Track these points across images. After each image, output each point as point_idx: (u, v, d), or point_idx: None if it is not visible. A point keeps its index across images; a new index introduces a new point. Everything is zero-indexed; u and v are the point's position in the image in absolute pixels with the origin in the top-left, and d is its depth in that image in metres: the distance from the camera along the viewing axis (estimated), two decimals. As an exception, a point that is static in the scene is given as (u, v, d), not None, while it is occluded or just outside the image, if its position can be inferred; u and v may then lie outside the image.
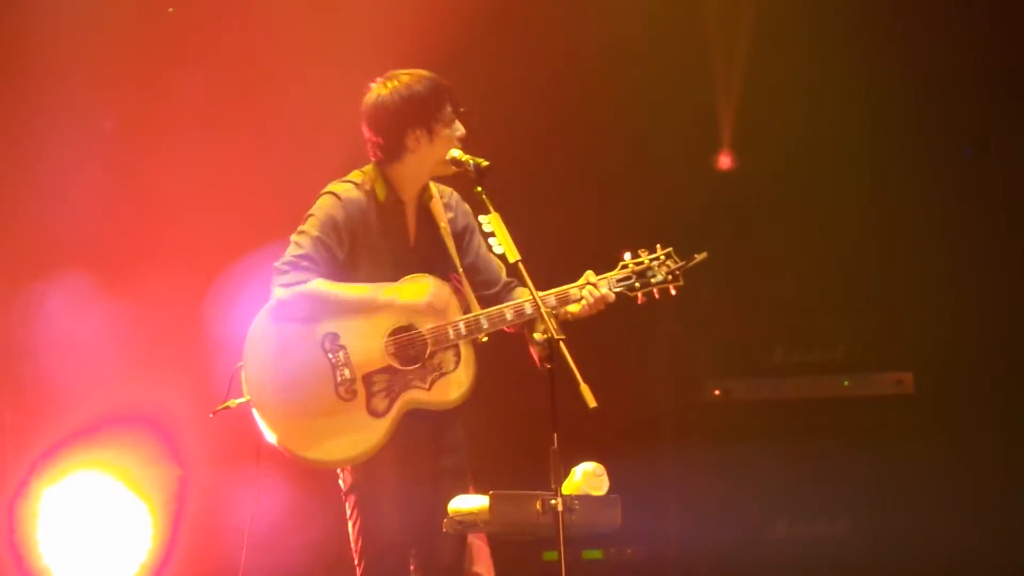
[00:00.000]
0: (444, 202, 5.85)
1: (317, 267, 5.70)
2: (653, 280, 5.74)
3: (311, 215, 5.78)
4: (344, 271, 5.77)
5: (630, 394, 8.50)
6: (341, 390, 5.70)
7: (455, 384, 5.73)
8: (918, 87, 8.72)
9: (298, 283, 5.68)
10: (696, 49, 8.84)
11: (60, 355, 8.37)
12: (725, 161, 8.98)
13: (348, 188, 5.80)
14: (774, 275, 8.96)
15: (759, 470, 8.77)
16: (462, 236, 5.86)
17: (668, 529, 8.78)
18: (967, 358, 8.68)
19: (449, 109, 5.74)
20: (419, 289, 5.72)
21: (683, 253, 5.77)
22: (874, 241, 8.83)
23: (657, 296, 5.77)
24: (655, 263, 5.75)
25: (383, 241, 5.79)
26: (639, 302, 5.76)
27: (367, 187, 5.80)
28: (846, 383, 8.94)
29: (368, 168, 5.84)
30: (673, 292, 5.76)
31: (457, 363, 5.73)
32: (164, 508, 8.42)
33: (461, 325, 5.70)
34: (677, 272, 5.75)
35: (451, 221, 5.84)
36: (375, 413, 5.69)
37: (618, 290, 5.72)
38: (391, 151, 5.76)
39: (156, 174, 8.50)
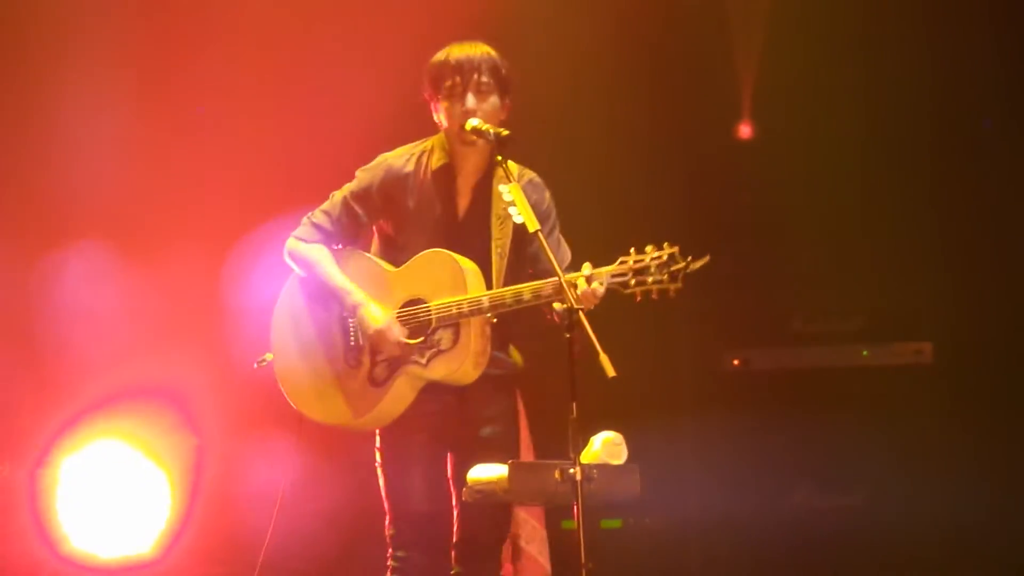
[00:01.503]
0: (523, 184, 5.74)
1: (333, 227, 5.84)
2: (650, 279, 5.56)
3: (357, 174, 5.90)
4: (381, 234, 5.88)
5: (649, 363, 8.50)
6: (348, 356, 5.79)
7: (450, 361, 5.72)
8: (942, 56, 8.67)
9: (302, 239, 5.85)
10: (718, 11, 8.81)
11: (80, 325, 8.39)
12: (745, 130, 8.96)
13: (400, 154, 5.88)
14: (793, 245, 8.94)
15: (777, 440, 8.77)
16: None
17: (686, 498, 8.80)
18: (986, 328, 8.66)
19: (449, 81, 5.76)
20: (440, 263, 5.73)
21: (687, 255, 5.60)
22: (895, 210, 8.80)
23: (655, 297, 5.60)
24: (655, 262, 5.57)
25: (426, 208, 5.81)
26: (636, 300, 5.61)
27: (425, 153, 5.84)
28: (865, 353, 8.93)
29: (437, 134, 5.88)
30: (671, 295, 5.59)
31: (454, 342, 5.72)
32: (182, 477, 8.45)
33: (465, 304, 5.70)
34: (677, 274, 5.58)
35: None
36: (374, 382, 5.75)
37: (612, 285, 5.57)
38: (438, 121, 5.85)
39: (176, 143, 8.50)
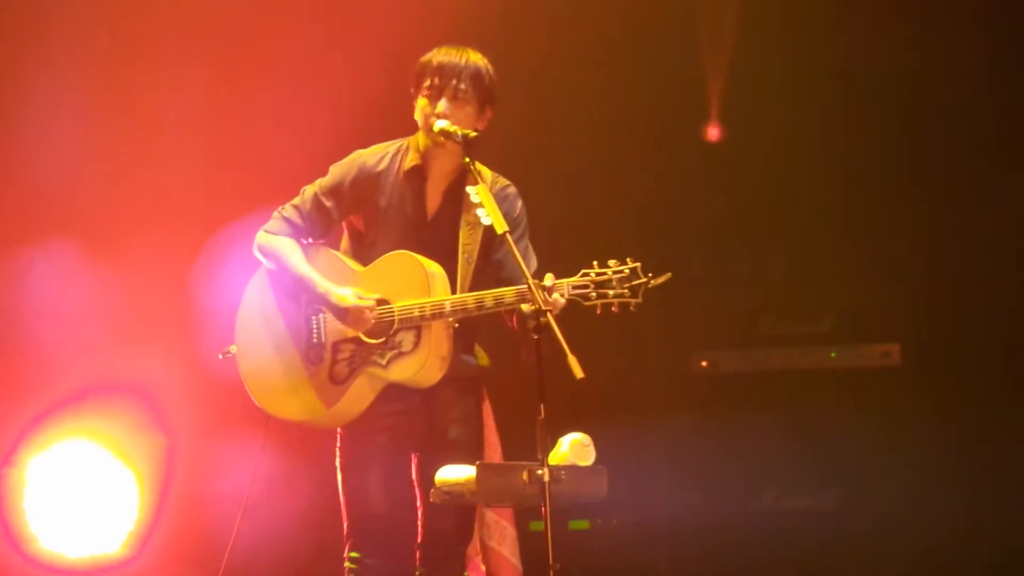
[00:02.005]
0: (494, 192, 5.77)
1: (302, 221, 5.84)
2: (611, 292, 5.59)
3: (330, 170, 5.90)
4: (358, 231, 5.88)
5: (617, 365, 8.51)
6: (310, 353, 5.79)
7: (407, 365, 5.72)
8: (910, 59, 8.69)
9: (271, 232, 5.86)
10: (685, 14, 8.81)
11: (47, 322, 8.35)
12: (713, 133, 8.96)
13: (374, 152, 5.90)
14: (761, 247, 8.95)
15: (746, 441, 8.78)
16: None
17: (655, 500, 8.80)
18: (954, 330, 8.69)
19: (428, 81, 5.77)
20: (403, 265, 5.73)
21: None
22: (861, 213, 8.83)
23: (616, 310, 5.62)
24: (616, 276, 5.61)
25: (396, 208, 5.83)
26: (597, 312, 5.63)
27: (401, 153, 5.85)
28: (833, 355, 8.94)
29: (416, 134, 5.87)
30: (632, 309, 5.63)
31: (416, 345, 5.72)
32: (151, 477, 8.42)
33: (427, 307, 5.70)
34: (637, 288, 5.62)
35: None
36: (334, 380, 5.76)
37: (572, 296, 5.58)
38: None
39: (145, 139, 8.47)
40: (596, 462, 5.50)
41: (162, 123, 8.49)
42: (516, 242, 5.64)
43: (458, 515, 5.81)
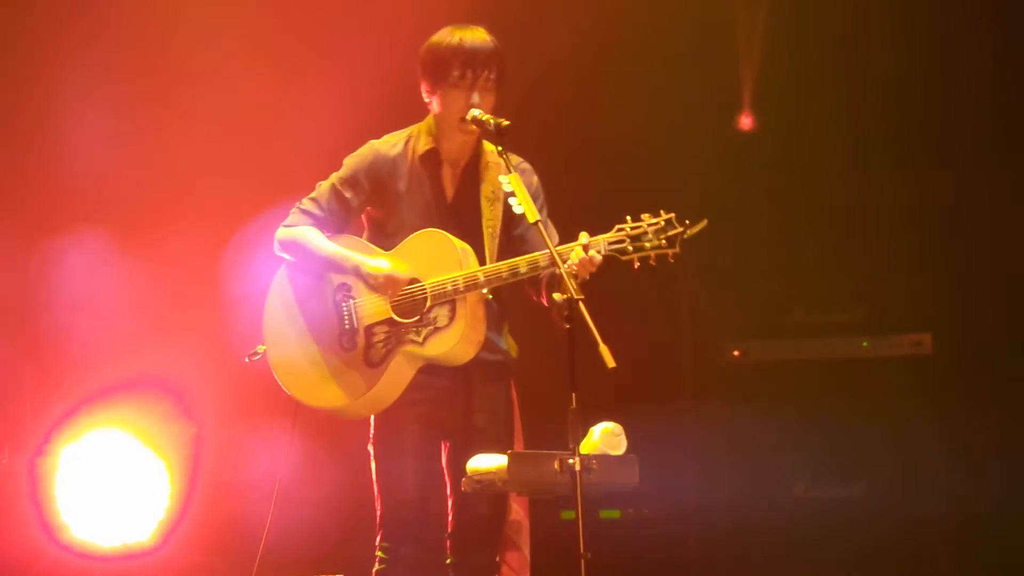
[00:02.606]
0: (514, 165, 5.78)
1: (322, 212, 5.84)
2: (648, 245, 5.58)
3: (344, 162, 5.89)
4: (372, 218, 5.87)
5: (649, 354, 8.50)
6: (344, 339, 5.78)
7: (445, 339, 5.72)
8: (944, 47, 8.66)
9: (292, 225, 5.85)
10: (720, 8, 8.80)
11: (79, 313, 8.39)
12: (746, 122, 8.95)
13: (388, 138, 5.89)
14: (794, 236, 8.93)
15: (777, 431, 8.76)
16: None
17: (685, 489, 8.79)
18: (986, 319, 8.66)
19: (458, 72, 5.74)
20: (431, 242, 5.73)
21: (697, 216, 5.67)
22: (894, 201, 8.79)
23: (653, 263, 5.60)
24: (652, 228, 5.60)
25: (415, 193, 5.83)
26: (635, 267, 5.62)
27: (412, 139, 5.84)
28: (865, 344, 8.92)
29: (426, 119, 5.86)
30: (671, 259, 5.61)
31: (451, 319, 5.72)
32: (180, 466, 8.45)
33: (460, 280, 5.70)
34: (675, 238, 5.59)
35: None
36: (370, 363, 5.74)
37: (609, 252, 5.59)
38: (429, 105, 5.84)
39: (176, 131, 8.49)
40: (627, 451, 5.50)
41: (195, 114, 8.51)
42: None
43: (490, 503, 5.80)
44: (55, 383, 8.33)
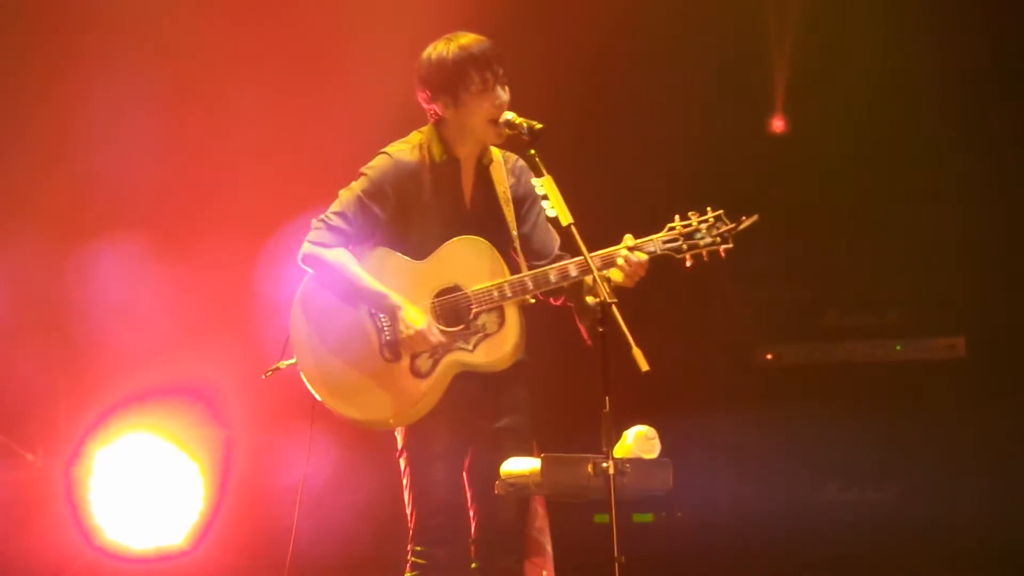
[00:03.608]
0: (508, 167, 5.87)
1: (351, 227, 5.77)
2: (701, 242, 5.69)
3: (362, 173, 5.84)
4: (393, 230, 5.81)
5: (682, 358, 8.50)
6: (385, 351, 5.74)
7: (497, 346, 5.73)
8: (978, 48, 8.64)
9: (322, 244, 5.76)
10: (751, 10, 8.79)
11: (113, 318, 8.42)
12: (779, 124, 8.94)
13: (402, 148, 5.85)
14: (827, 239, 8.92)
15: (810, 434, 8.75)
16: (522, 203, 5.87)
17: (719, 493, 8.79)
18: (1020, 323, 8.64)
19: (478, 78, 5.73)
20: (467, 249, 5.75)
21: (734, 217, 5.74)
22: (929, 205, 8.78)
23: (706, 259, 5.72)
24: (703, 225, 5.70)
25: (436, 201, 5.81)
26: (687, 264, 5.70)
27: (424, 146, 5.84)
28: (898, 347, 8.91)
29: (426, 128, 5.88)
30: (722, 255, 5.73)
31: (501, 325, 5.74)
32: (213, 470, 8.47)
33: (506, 286, 5.72)
34: (726, 234, 5.70)
35: (512, 187, 5.86)
36: (418, 374, 5.72)
37: (664, 251, 5.68)
38: (431, 114, 5.83)
39: (212, 136, 8.51)
40: (661, 454, 5.49)
41: (230, 121, 8.53)
42: (531, 211, 5.81)
43: (514, 507, 5.80)
44: (89, 388, 8.36)
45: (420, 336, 5.68)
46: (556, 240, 5.86)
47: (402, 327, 5.68)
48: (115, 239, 8.35)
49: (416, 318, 5.68)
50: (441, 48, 5.77)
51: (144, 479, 8.41)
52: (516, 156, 5.91)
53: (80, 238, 8.36)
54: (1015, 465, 8.50)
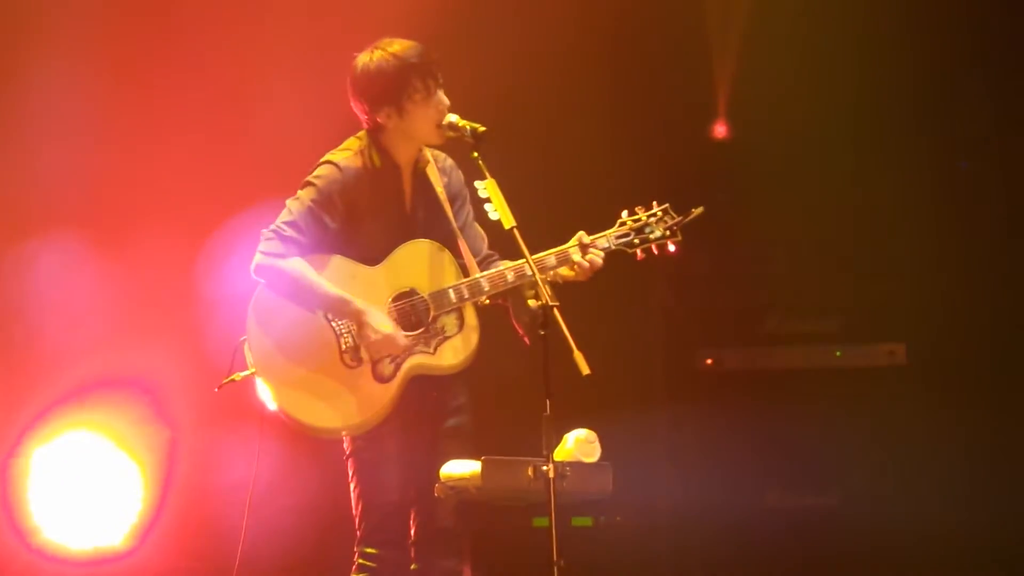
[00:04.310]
0: (439, 167, 5.89)
1: (303, 236, 5.75)
2: (651, 236, 5.81)
3: (309, 183, 5.82)
4: (340, 237, 5.81)
5: (623, 362, 8.50)
6: (346, 357, 5.74)
7: (460, 347, 5.78)
8: (918, 57, 8.69)
9: (277, 255, 5.73)
10: (694, 12, 8.81)
11: (51, 315, 8.35)
12: (720, 130, 8.96)
13: (346, 156, 5.84)
14: (768, 245, 8.95)
15: (751, 439, 8.78)
16: (453, 202, 5.90)
17: (658, 497, 8.79)
18: (959, 329, 8.69)
19: (421, 85, 5.73)
20: (419, 253, 5.75)
21: (681, 210, 5.80)
22: (868, 212, 8.82)
23: (656, 252, 5.82)
24: (652, 219, 5.82)
25: (380, 207, 5.82)
26: (639, 258, 5.81)
27: (364, 153, 5.82)
28: (838, 353, 8.94)
29: (362, 134, 5.88)
30: (672, 248, 5.81)
31: (460, 326, 5.77)
32: (155, 469, 8.42)
33: (463, 288, 5.74)
34: (675, 227, 5.81)
35: (445, 186, 5.88)
36: (381, 379, 5.73)
37: (617, 246, 5.77)
38: (370, 122, 5.82)
39: (149, 133, 8.46)
40: (601, 458, 5.50)
41: (167, 116, 8.48)
42: (461, 210, 5.87)
43: (456, 511, 5.81)
44: (27, 385, 8.29)
45: (388, 340, 5.68)
46: (484, 238, 5.91)
47: (370, 332, 5.68)
48: (52, 236, 8.29)
49: (383, 322, 5.68)
50: (378, 58, 5.75)
51: (83, 478, 8.34)
52: (444, 155, 5.94)
53: (15, 235, 8.29)
54: (955, 471, 8.55)
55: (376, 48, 5.78)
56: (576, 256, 5.72)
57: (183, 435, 8.46)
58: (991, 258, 8.70)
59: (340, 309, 5.71)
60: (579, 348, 5.12)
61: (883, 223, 8.79)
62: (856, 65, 8.73)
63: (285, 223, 5.76)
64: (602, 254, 5.76)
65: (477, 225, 5.90)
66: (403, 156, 5.85)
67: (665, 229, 5.81)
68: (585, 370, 5.10)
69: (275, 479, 7.75)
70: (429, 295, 5.75)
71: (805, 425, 8.75)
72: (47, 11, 8.38)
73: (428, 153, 5.89)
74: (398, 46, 5.76)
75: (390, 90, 5.74)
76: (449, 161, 5.94)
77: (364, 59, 5.78)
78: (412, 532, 5.81)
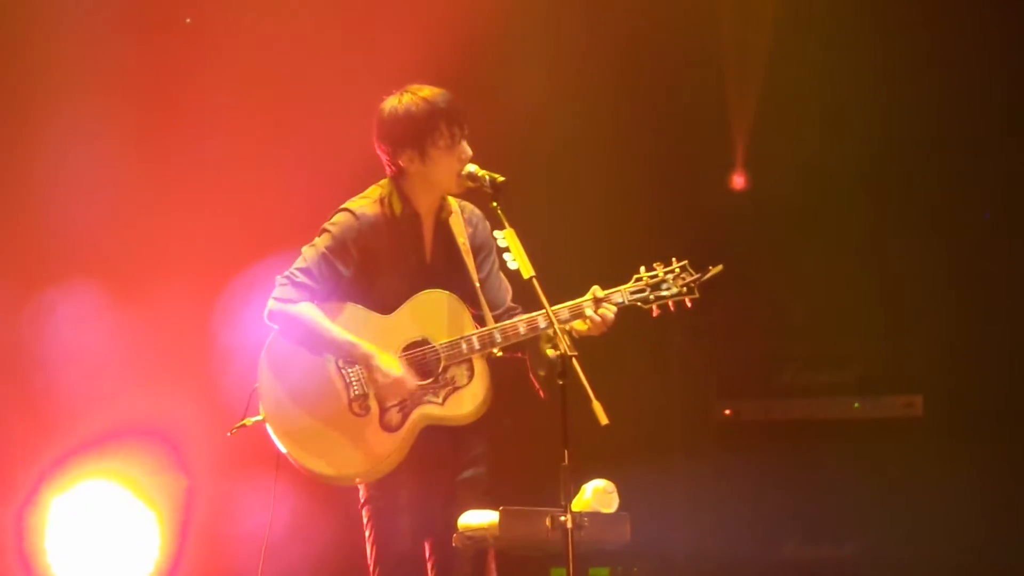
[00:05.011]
0: (465, 217, 5.89)
1: (316, 283, 5.77)
2: (667, 292, 5.78)
3: (325, 230, 5.84)
4: (356, 285, 5.82)
5: (641, 412, 8.49)
6: (355, 406, 5.74)
7: (468, 398, 5.76)
8: (936, 109, 8.71)
9: (288, 300, 5.75)
10: (711, 67, 8.85)
11: (70, 365, 8.37)
12: (739, 181, 8.98)
13: (364, 204, 5.85)
14: (786, 296, 8.94)
15: (768, 491, 8.75)
16: (478, 252, 5.90)
17: (676, 548, 8.77)
18: (976, 382, 8.67)
19: (447, 132, 5.75)
20: (433, 303, 5.76)
21: (699, 267, 5.79)
22: (887, 264, 8.82)
23: (672, 309, 5.80)
24: (670, 276, 5.79)
25: (398, 255, 5.82)
26: (654, 315, 5.79)
27: (384, 201, 5.84)
28: (856, 405, 8.92)
29: (384, 182, 5.89)
30: (688, 305, 5.79)
31: (470, 377, 5.75)
32: (171, 518, 8.42)
33: (475, 339, 5.73)
34: (692, 284, 5.79)
35: (470, 237, 5.88)
36: (388, 428, 5.72)
37: (631, 302, 5.75)
38: (392, 167, 5.82)
39: (168, 182, 8.50)
40: (619, 509, 5.50)
41: (185, 164, 8.52)
42: (486, 261, 5.85)
43: (473, 562, 5.79)
44: (45, 433, 8.29)
45: (397, 384, 5.68)
46: (509, 290, 5.90)
47: (379, 376, 5.68)
48: (71, 286, 8.31)
49: (391, 365, 5.68)
50: (408, 101, 5.77)
51: (100, 527, 8.34)
52: (471, 205, 5.94)
53: (36, 285, 8.31)
54: (972, 524, 8.52)
55: (405, 92, 5.80)
56: (589, 311, 5.71)
57: (200, 483, 8.45)
58: (1009, 310, 8.69)
59: (349, 353, 5.72)
60: (597, 398, 5.12)
61: (901, 275, 8.79)
62: (874, 115, 8.75)
63: (299, 269, 5.79)
64: (615, 309, 5.73)
65: (503, 277, 5.88)
66: (424, 204, 5.86)
67: (682, 286, 5.78)
68: (603, 420, 5.10)
69: (292, 526, 7.77)
70: (440, 345, 5.74)
71: (822, 476, 8.72)
72: (66, 62, 8.43)
73: (454, 203, 5.90)
74: (428, 91, 5.78)
75: (415, 133, 5.75)
76: (477, 212, 5.94)
77: (392, 102, 5.80)
78: (430, 583, 5.81)
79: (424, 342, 5.75)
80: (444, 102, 5.76)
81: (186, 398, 8.27)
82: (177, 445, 8.43)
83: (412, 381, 5.70)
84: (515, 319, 5.75)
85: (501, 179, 5.70)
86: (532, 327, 5.71)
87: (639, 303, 5.76)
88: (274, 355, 5.80)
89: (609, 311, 5.71)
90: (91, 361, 8.39)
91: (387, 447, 5.71)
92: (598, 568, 8.77)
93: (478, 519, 5.49)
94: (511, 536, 5.42)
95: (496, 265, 5.86)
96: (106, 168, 8.41)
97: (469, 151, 5.78)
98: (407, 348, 5.76)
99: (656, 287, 5.76)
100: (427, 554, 5.81)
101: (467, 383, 5.75)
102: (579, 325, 5.73)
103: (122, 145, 8.46)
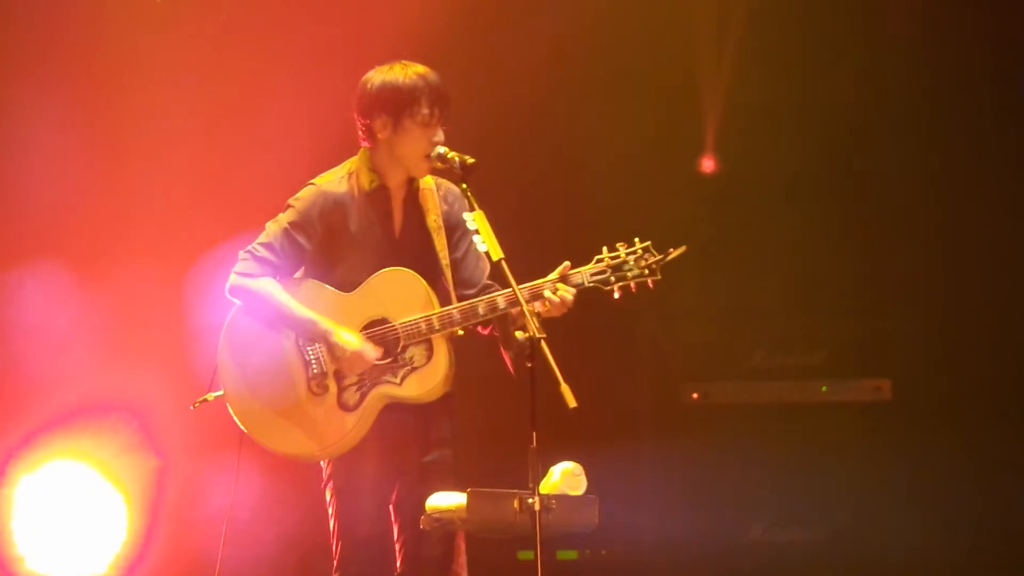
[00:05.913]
0: (440, 195, 5.88)
1: (278, 258, 5.78)
2: (629, 274, 5.74)
3: (289, 205, 5.85)
4: (321, 261, 5.82)
5: (609, 395, 8.50)
6: (312, 384, 5.75)
7: (426, 378, 5.74)
8: (904, 92, 8.73)
9: (249, 275, 5.76)
10: (682, 48, 8.84)
11: (36, 343, 8.34)
12: (708, 164, 8.98)
13: (331, 179, 5.85)
14: (754, 279, 8.96)
15: (736, 474, 8.77)
16: (454, 230, 5.88)
17: (644, 531, 8.78)
18: (945, 366, 8.70)
19: (426, 111, 5.73)
20: (395, 281, 5.74)
21: (662, 248, 5.77)
22: (855, 247, 8.84)
23: (634, 290, 5.76)
24: (631, 256, 5.75)
25: (367, 230, 5.82)
26: (616, 296, 5.75)
27: (353, 175, 5.83)
28: (824, 388, 8.94)
29: (357, 156, 5.87)
30: (651, 286, 5.77)
31: (428, 357, 5.74)
32: (140, 498, 8.40)
33: (434, 319, 5.72)
34: (654, 266, 5.75)
35: (445, 214, 5.87)
36: (345, 407, 5.72)
37: (592, 283, 5.72)
38: (366, 134, 5.81)
39: (133, 160, 8.46)
40: (587, 491, 5.50)
41: (151, 142, 8.48)
42: (462, 239, 5.82)
43: (442, 543, 5.80)
44: (11, 413, 8.26)
45: (356, 356, 5.68)
46: (486, 270, 5.88)
47: (338, 350, 5.67)
48: (36, 263, 8.27)
49: (350, 339, 5.67)
50: (397, 71, 5.77)
51: (68, 507, 8.31)
52: (448, 183, 5.93)
53: (0, 263, 8.27)
54: (941, 506, 8.55)
55: (398, 64, 5.80)
56: (547, 292, 5.68)
57: (168, 463, 8.43)
58: (977, 294, 8.72)
59: (309, 330, 5.72)
60: (566, 381, 5.11)
61: (870, 258, 8.81)
62: (846, 99, 8.76)
63: (261, 244, 5.80)
64: (573, 291, 5.70)
65: (482, 254, 5.84)
66: (392, 178, 5.84)
67: (644, 267, 5.74)
68: (572, 403, 5.09)
69: (257, 507, 7.75)
70: (400, 324, 5.73)
71: (790, 460, 8.74)
72: (31, 43, 8.38)
73: (430, 180, 5.88)
74: (421, 68, 5.79)
75: (396, 102, 5.73)
76: (455, 190, 5.92)
77: (383, 69, 5.80)
78: (398, 564, 5.80)
79: (384, 321, 5.74)
80: (433, 82, 5.76)
81: (154, 377, 8.24)
82: (146, 425, 8.40)
83: (372, 352, 5.69)
84: (475, 300, 5.74)
85: (471, 161, 5.69)
86: (491, 307, 5.70)
87: (600, 284, 5.74)
88: (234, 331, 5.81)
89: (567, 293, 5.68)
90: (58, 340, 8.36)
91: (344, 426, 5.71)
92: (566, 551, 8.79)
93: (446, 501, 5.48)
94: (479, 518, 5.42)
95: (472, 243, 5.84)
96: (71, 146, 8.37)
97: (441, 137, 5.76)
98: (366, 327, 5.75)
99: (618, 268, 5.73)
100: (395, 535, 5.80)
101: (425, 363, 5.74)
102: (539, 306, 5.71)
103: (87, 123, 8.42)
